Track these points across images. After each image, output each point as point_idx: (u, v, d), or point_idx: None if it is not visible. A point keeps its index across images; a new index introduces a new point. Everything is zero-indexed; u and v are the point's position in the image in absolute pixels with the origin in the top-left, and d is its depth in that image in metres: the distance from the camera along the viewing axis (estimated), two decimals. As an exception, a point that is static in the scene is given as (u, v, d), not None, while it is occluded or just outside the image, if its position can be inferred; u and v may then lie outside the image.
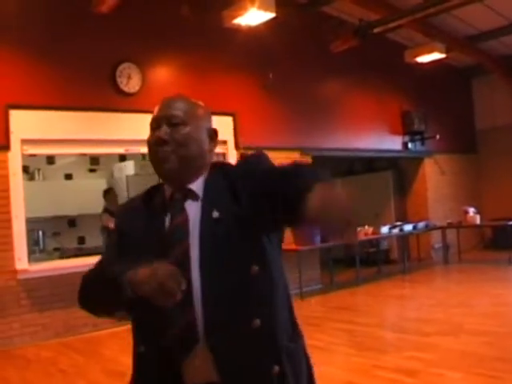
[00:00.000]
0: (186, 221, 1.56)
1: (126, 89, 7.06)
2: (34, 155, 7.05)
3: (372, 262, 9.84)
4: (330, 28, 8.46)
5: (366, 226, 9.02)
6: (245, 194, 1.53)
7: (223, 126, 7.95)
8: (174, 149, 1.61)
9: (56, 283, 6.25)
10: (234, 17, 6.89)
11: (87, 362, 5.43)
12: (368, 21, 8.30)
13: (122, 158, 9.69)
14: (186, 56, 7.61)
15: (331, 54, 8.64)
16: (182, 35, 7.44)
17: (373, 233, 9.01)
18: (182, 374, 1.55)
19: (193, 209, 1.59)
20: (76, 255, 7.84)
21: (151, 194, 1.70)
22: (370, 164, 11.57)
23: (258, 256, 1.56)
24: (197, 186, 1.64)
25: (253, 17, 6.86)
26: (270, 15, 6.84)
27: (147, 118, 5.47)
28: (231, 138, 8.04)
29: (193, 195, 1.62)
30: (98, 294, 1.60)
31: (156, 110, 1.72)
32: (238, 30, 7.24)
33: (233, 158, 8.00)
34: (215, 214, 1.56)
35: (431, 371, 4.42)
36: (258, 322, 1.53)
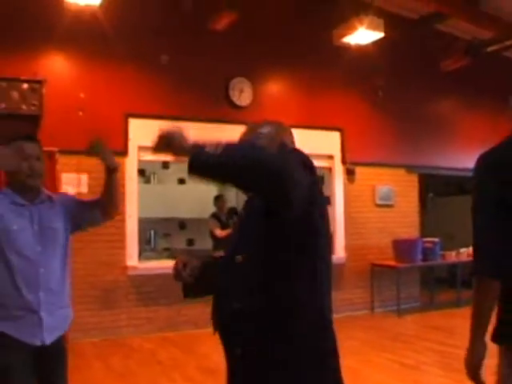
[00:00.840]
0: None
1: (237, 102, 7.41)
2: (149, 161, 7.52)
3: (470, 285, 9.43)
4: (441, 46, 8.29)
5: (471, 247, 8.72)
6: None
7: (330, 140, 8.08)
8: None
9: (163, 281, 6.56)
10: (344, 35, 6.95)
11: (184, 357, 5.76)
12: (481, 39, 8.08)
13: None
14: (296, 72, 7.82)
15: (441, 72, 8.48)
16: (293, 52, 7.64)
17: (477, 255, 8.70)
18: None
19: None
20: None
21: None
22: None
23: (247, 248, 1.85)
24: None
25: (362, 36, 6.90)
26: (379, 35, 6.85)
27: None
28: (338, 153, 8.12)
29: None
30: None
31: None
32: (347, 48, 7.30)
33: (339, 172, 8.09)
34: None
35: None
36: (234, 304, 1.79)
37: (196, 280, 2.01)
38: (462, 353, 5.94)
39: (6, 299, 2.57)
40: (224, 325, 1.89)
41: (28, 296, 2.58)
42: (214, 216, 8.69)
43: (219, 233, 8.37)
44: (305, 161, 1.81)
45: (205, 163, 1.63)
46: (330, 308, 1.88)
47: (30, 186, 2.66)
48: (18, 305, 2.58)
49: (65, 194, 2.91)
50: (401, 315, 7.68)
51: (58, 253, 2.71)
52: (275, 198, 1.64)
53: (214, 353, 5.77)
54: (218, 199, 8.97)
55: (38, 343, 2.60)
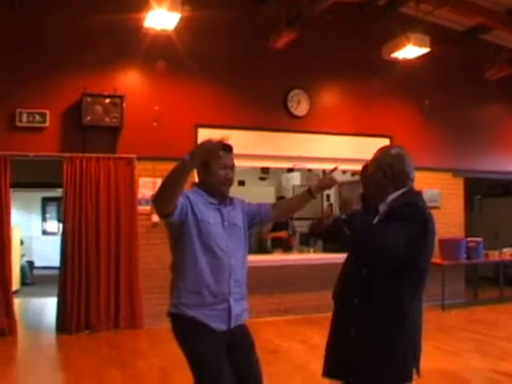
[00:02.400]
0: None
1: (295, 112, 7.88)
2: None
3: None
4: (486, 56, 8.53)
5: (514, 247, 8.97)
6: None
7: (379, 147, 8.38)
8: (367, 182, 2.54)
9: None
10: (393, 51, 7.35)
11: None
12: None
13: (290, 169, 10.42)
14: (349, 84, 8.25)
15: (487, 81, 8.70)
16: (346, 66, 8.05)
17: (521, 254, 8.94)
18: None
19: None
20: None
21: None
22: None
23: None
24: (382, 207, 2.44)
25: (409, 52, 7.29)
26: (425, 50, 7.23)
27: (313, 138, 7.52)
28: None
29: (377, 213, 2.45)
30: None
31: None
32: (396, 61, 7.66)
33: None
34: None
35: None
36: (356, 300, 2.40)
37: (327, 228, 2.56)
38: (497, 342, 6.44)
39: (204, 287, 2.73)
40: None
41: (222, 284, 2.76)
42: None
43: (268, 235, 8.86)
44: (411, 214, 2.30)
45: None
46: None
47: (223, 193, 2.85)
48: (213, 293, 2.74)
49: (239, 198, 3.04)
50: (445, 309, 8.03)
51: (241, 247, 2.89)
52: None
53: (273, 337, 6.43)
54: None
55: (225, 329, 2.76)
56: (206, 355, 2.70)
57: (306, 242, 8.86)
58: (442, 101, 8.72)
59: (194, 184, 2.96)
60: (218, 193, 2.84)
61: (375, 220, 2.35)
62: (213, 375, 2.68)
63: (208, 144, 2.49)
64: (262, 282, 7.54)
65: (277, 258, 8.27)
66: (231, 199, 2.94)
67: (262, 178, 10.55)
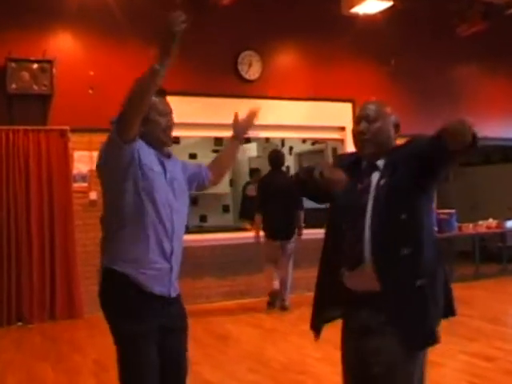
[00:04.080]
0: (368, 185, 2.59)
1: (246, 76, 8.20)
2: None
3: (498, 259, 10.08)
4: (457, 9, 8.88)
5: (491, 219, 9.50)
6: (401, 165, 2.52)
7: (342, 112, 8.82)
8: (369, 137, 2.60)
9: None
10: (352, 5, 7.77)
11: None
12: (499, 2, 8.71)
13: (246, 140, 10.74)
14: (305, 44, 8.57)
15: (457, 38, 9.12)
16: (301, 24, 8.37)
17: (497, 226, 9.54)
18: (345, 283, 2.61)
19: (375, 177, 2.58)
20: (197, 232, 8.94)
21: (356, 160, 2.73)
22: (507, 154, 11.81)
23: (407, 208, 2.51)
24: (380, 162, 2.61)
25: (370, 6, 7.71)
26: (388, 4, 7.64)
27: (267, 104, 7.82)
28: (350, 124, 8.78)
29: (377, 169, 2.62)
30: None
31: (358, 111, 2.73)
32: (356, 17, 8.07)
33: (351, 144, 8.83)
34: (382, 182, 2.54)
35: (509, 359, 5.22)
36: (404, 250, 2.47)
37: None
38: (470, 321, 6.91)
39: (145, 243, 2.76)
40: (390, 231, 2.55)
41: (166, 244, 2.81)
42: (249, 183, 10.03)
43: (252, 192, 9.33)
44: None
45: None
46: None
47: (165, 142, 2.88)
48: (157, 252, 2.78)
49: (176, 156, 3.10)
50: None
51: (184, 203, 2.94)
52: None
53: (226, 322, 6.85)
54: (255, 172, 10.15)
55: (167, 294, 2.82)
56: (139, 340, 2.74)
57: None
58: (410, 61, 9.09)
59: None
60: (160, 143, 2.89)
61: (375, 176, 2.60)
62: (140, 371, 2.75)
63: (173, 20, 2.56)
64: (213, 263, 7.99)
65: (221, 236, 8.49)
66: (170, 154, 2.98)
67: (216, 151, 10.78)
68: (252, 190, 9.53)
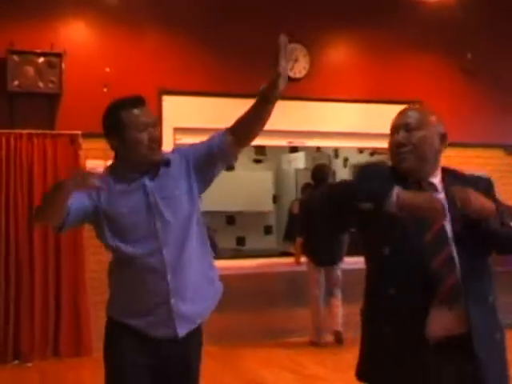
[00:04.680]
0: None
1: (291, 73, 7.50)
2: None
3: None
4: None
5: None
6: None
7: None
8: (411, 149, 2.51)
9: None
10: (421, -13, 7.15)
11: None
12: None
13: (293, 148, 10.25)
14: (361, 35, 8.01)
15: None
16: (358, 10, 7.83)
17: None
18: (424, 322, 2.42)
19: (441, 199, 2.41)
20: (233, 257, 8.69)
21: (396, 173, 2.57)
22: None
23: (489, 249, 2.55)
24: (436, 180, 2.55)
25: (441, -12, 7.06)
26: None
27: (315, 107, 7.35)
28: None
29: (434, 188, 2.52)
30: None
31: (394, 118, 2.65)
32: (424, 3, 7.50)
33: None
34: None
35: None
36: (491, 298, 2.48)
37: None
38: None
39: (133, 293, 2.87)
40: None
41: (159, 284, 2.81)
42: (297, 200, 9.56)
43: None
44: None
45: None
46: None
47: (150, 160, 2.84)
48: (149, 297, 2.85)
49: (179, 148, 3.10)
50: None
51: (182, 225, 2.87)
52: None
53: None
54: (308, 188, 9.54)
55: (172, 336, 2.84)
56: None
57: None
58: (491, 54, 8.41)
59: (107, 168, 2.99)
60: (144, 162, 2.84)
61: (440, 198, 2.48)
62: None
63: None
64: (248, 294, 7.53)
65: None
66: (167, 161, 2.90)
67: (257, 161, 10.44)
68: (297, 207, 9.07)
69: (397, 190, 2.32)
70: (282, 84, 2.75)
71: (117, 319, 2.91)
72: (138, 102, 2.85)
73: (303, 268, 7.54)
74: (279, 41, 2.74)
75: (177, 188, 2.89)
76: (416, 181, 2.53)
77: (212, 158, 2.95)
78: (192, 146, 3.04)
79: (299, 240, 7.51)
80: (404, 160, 2.51)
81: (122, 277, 2.91)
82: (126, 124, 2.79)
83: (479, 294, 2.45)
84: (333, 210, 2.54)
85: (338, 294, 7.43)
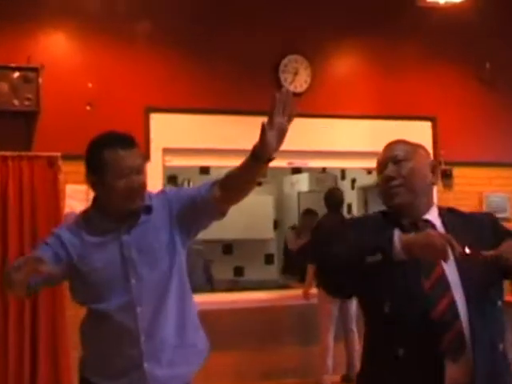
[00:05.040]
0: None
1: (291, 87, 7.38)
2: (178, 166, 7.66)
3: None
4: None
5: None
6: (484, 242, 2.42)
7: (418, 134, 7.87)
8: (401, 182, 2.54)
9: (204, 321, 6.65)
10: (430, -7, 6.97)
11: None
12: None
13: (296, 169, 10.13)
14: (368, 44, 7.84)
15: None
16: (365, 18, 7.68)
17: None
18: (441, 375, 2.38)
19: None
20: (230, 289, 8.53)
21: (388, 218, 2.61)
22: None
23: (501, 293, 2.52)
24: (432, 217, 2.57)
25: (455, -10, 6.90)
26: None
27: (319, 124, 7.13)
28: (429, 150, 7.98)
29: (431, 225, 2.52)
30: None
31: (380, 155, 2.68)
32: (435, 9, 7.32)
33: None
34: (467, 250, 2.30)
35: None
36: (501, 346, 2.46)
37: None
38: None
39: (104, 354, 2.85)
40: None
41: (131, 349, 2.79)
42: (295, 230, 9.01)
43: (294, 243, 8.97)
44: None
45: None
46: None
47: (128, 210, 2.81)
48: (121, 363, 2.83)
49: (164, 192, 3.06)
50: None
51: (159, 280, 2.84)
52: None
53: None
54: (308, 214, 9.33)
55: None
56: None
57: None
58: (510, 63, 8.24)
59: (81, 214, 2.97)
60: (122, 212, 2.81)
61: None
62: None
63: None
64: (249, 331, 7.39)
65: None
66: (148, 207, 2.87)
67: (259, 184, 10.25)
68: (292, 242, 9.13)
69: (397, 235, 2.30)
70: (274, 141, 2.62)
71: (90, 380, 2.87)
72: (126, 141, 2.80)
73: (309, 301, 7.43)
74: (276, 95, 2.65)
75: (156, 240, 2.84)
76: (411, 222, 2.56)
77: (195, 210, 2.90)
78: (179, 191, 3.09)
79: (311, 268, 7.34)
80: (395, 195, 2.55)
81: (93, 335, 2.88)
82: (107, 165, 2.74)
83: (488, 343, 2.42)
84: (345, 273, 2.47)
85: (354, 328, 7.40)
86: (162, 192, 3.05)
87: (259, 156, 2.69)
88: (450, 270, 2.43)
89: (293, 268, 9.05)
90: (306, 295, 7.41)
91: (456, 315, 2.39)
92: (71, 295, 2.90)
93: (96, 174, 2.79)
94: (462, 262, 2.39)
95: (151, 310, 2.79)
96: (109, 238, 2.81)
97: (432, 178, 2.63)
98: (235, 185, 2.95)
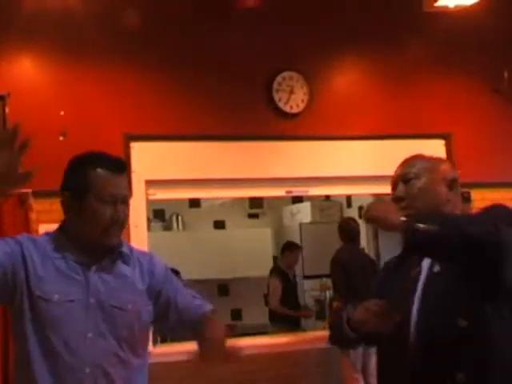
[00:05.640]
0: (419, 273, 2.54)
1: (286, 108, 7.38)
2: (162, 200, 7.55)
3: None
4: None
5: None
6: None
7: (430, 153, 7.83)
8: (409, 203, 2.57)
9: (188, 373, 6.48)
10: (437, -3, 6.94)
11: None
12: None
13: (296, 198, 10.09)
14: (371, 58, 7.82)
15: None
16: (365, 30, 7.65)
17: None
18: None
19: (427, 263, 2.55)
20: (227, 335, 8.24)
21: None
22: None
23: (469, 312, 2.36)
24: None
25: (463, -5, 6.85)
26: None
27: (318, 147, 7.00)
28: None
29: None
30: None
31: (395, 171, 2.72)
32: (446, 13, 7.29)
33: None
34: (435, 268, 2.49)
35: None
36: (461, 375, 2.31)
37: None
38: None
39: None
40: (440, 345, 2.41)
41: None
42: (278, 272, 8.90)
43: (276, 306, 8.90)
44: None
45: (421, 242, 2.32)
46: None
47: (103, 245, 2.70)
48: None
49: (149, 256, 2.94)
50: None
51: (122, 346, 2.69)
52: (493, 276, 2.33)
53: None
54: (290, 249, 9.16)
55: None
56: None
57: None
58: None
59: (46, 237, 2.82)
60: (95, 245, 2.68)
61: (427, 261, 2.57)
62: None
63: None
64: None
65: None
66: (125, 255, 2.77)
67: (253, 216, 10.27)
68: (275, 283, 9.04)
69: (348, 311, 2.56)
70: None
71: None
72: (117, 165, 2.75)
73: (319, 345, 7.18)
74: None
75: (130, 298, 2.71)
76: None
77: (168, 314, 2.87)
78: (169, 278, 2.93)
79: (337, 305, 7.46)
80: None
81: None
82: (90, 186, 2.66)
83: (443, 371, 2.40)
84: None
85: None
86: (149, 256, 2.95)
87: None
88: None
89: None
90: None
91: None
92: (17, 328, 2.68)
93: (75, 195, 2.70)
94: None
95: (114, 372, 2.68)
96: (73, 273, 2.67)
97: (448, 194, 2.61)
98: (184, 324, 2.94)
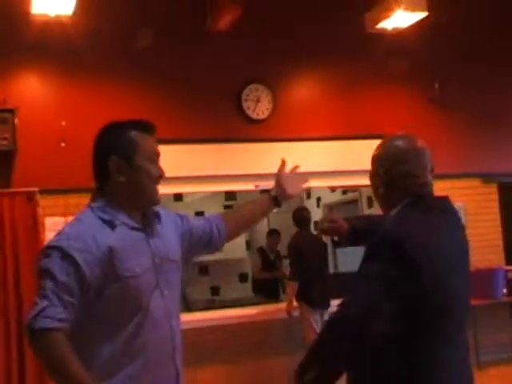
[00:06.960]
0: None
1: (253, 115, 7.77)
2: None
3: None
4: None
5: None
6: None
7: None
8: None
9: (184, 338, 6.77)
10: (378, 20, 7.30)
11: None
12: None
13: (264, 190, 10.22)
14: (326, 71, 8.15)
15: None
16: (319, 48, 7.95)
17: None
18: None
19: None
20: (207, 308, 8.70)
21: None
22: None
23: None
24: None
25: (400, 19, 7.20)
26: (421, 15, 7.14)
27: (281, 148, 7.16)
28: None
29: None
30: None
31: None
32: (385, 34, 7.58)
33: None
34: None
35: None
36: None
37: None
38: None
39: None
40: None
41: (169, 367, 2.52)
42: (261, 251, 9.55)
43: (258, 273, 9.36)
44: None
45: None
46: None
47: (153, 203, 2.52)
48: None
49: (165, 210, 2.67)
50: (481, 368, 7.68)
51: (178, 295, 2.61)
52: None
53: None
54: (272, 234, 9.51)
55: None
56: None
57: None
58: (460, 82, 8.54)
59: (93, 206, 2.50)
60: (148, 201, 2.49)
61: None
62: None
63: None
64: (227, 347, 7.46)
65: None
66: (157, 213, 2.56)
67: (228, 207, 10.43)
68: (256, 259, 9.84)
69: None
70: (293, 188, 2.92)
71: None
72: (151, 127, 2.54)
73: (281, 315, 7.56)
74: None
75: (174, 249, 2.57)
76: None
77: (198, 243, 2.72)
78: (190, 218, 2.78)
79: (292, 284, 7.62)
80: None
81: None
82: (139, 148, 2.44)
83: None
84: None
85: None
86: (163, 210, 2.65)
87: (279, 201, 2.83)
88: None
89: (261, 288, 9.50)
90: (289, 312, 7.50)
91: None
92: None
93: (123, 156, 2.42)
94: None
95: (178, 319, 2.57)
96: (136, 239, 2.43)
97: (381, 189, 2.42)
98: (246, 223, 2.93)
